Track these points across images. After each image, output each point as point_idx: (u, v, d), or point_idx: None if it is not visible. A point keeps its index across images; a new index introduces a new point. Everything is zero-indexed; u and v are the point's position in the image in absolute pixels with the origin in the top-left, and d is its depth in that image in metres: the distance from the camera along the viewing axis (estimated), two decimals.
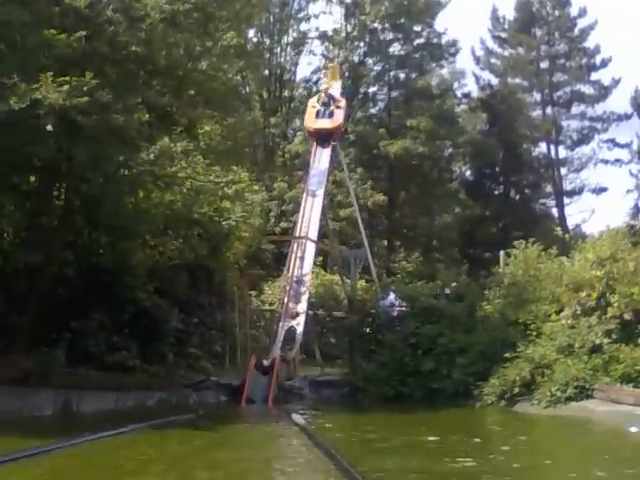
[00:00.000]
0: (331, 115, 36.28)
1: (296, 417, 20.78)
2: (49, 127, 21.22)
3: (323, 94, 37.43)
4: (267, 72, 51.66)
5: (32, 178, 25.57)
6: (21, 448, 13.85)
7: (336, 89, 39.24)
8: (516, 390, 24.47)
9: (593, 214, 78.10)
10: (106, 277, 26.02)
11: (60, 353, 23.91)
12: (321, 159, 35.70)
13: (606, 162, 57.15)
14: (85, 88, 20.96)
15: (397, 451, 16.11)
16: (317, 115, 36.62)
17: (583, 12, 55.71)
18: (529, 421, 22.22)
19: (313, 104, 37.54)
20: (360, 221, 38.21)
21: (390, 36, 54.11)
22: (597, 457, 15.61)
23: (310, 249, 32.69)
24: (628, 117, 55.28)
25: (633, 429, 17.68)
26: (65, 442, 15.13)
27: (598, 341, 23.78)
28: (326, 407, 25.71)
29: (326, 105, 36.44)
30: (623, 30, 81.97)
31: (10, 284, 24.65)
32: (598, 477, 13.01)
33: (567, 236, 35.18)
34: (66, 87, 20.67)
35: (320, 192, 33.84)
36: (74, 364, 23.99)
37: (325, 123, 36.15)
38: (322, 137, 36.22)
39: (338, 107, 36.77)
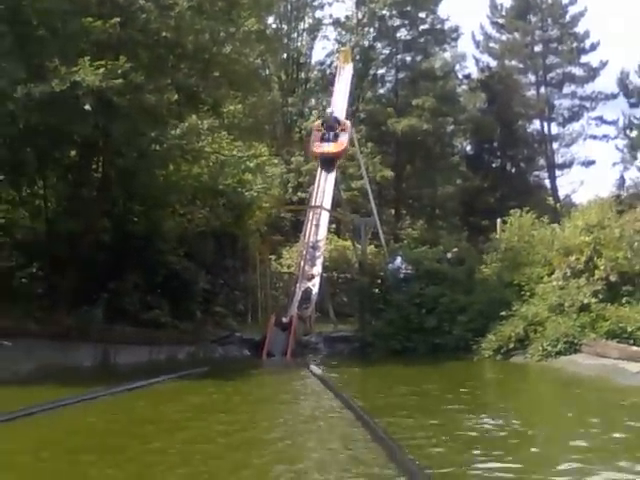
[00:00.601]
0: (336, 138, 34.45)
1: (314, 368, 20.95)
2: (87, 107, 21.31)
3: (327, 117, 35.50)
4: (285, 56, 51.43)
5: (72, 153, 25.68)
6: (64, 396, 14.02)
7: (348, 71, 38.96)
8: (511, 345, 24.54)
9: (582, 185, 77.69)
10: (140, 242, 26.17)
11: (99, 311, 24.13)
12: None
13: (594, 137, 57.11)
14: (120, 71, 20.99)
15: (401, 397, 16.27)
16: (322, 138, 34.61)
17: (574, 0, 55.41)
18: (522, 372, 22.30)
19: (318, 127, 35.42)
20: (370, 192, 38.22)
21: (397, 22, 53.89)
22: (579, 404, 15.75)
23: (324, 217, 32.71)
24: (615, 96, 55.08)
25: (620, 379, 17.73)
26: (104, 391, 15.25)
27: (586, 301, 23.78)
28: (339, 360, 25.86)
29: (331, 129, 34.63)
30: (610, 16, 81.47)
31: (53, 249, 24.83)
32: (569, 418, 13.35)
33: (558, 205, 35.13)
34: (102, 70, 20.70)
35: (333, 165, 33.80)
36: (111, 321, 24.23)
37: (329, 147, 34.29)
38: (326, 160, 34.51)
39: (343, 130, 34.90)
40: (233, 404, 15.60)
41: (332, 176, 33.88)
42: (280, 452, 10.32)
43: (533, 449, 10.85)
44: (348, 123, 35.89)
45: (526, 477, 8.86)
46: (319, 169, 34.35)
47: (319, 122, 35.67)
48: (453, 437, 11.67)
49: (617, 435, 11.37)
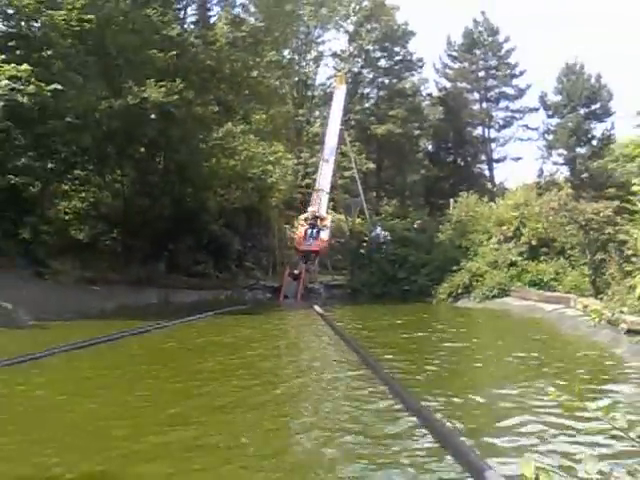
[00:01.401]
0: (318, 234, 29.16)
1: (316, 307, 21.06)
2: (153, 116, 21.37)
3: (310, 215, 29.65)
4: (296, 79, 50.97)
5: (142, 150, 25.71)
6: (135, 327, 14.14)
7: (342, 90, 38.31)
8: (459, 291, 24.70)
9: (512, 174, 77.36)
10: (191, 215, 26.29)
11: (161, 265, 24.33)
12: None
13: (521, 140, 56.48)
14: (176, 89, 21.04)
15: (380, 326, 16.42)
16: (305, 234, 29.20)
17: (508, 39, 54.78)
18: (467, 310, 22.42)
19: (302, 222, 29.79)
20: (358, 179, 37.97)
21: (378, 54, 53.29)
22: (506, 330, 15.96)
23: (324, 197, 32.62)
24: (536, 110, 54.54)
25: (538, 315, 17.86)
26: (171, 322, 15.36)
27: (514, 259, 23.94)
28: (335, 301, 25.98)
29: (313, 226, 29.32)
30: (535, 51, 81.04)
31: (128, 220, 24.98)
32: (497, 337, 13.36)
33: (495, 189, 34.98)
34: (163, 89, 20.75)
35: (331, 160, 33.55)
36: (170, 272, 24.43)
37: (311, 246, 28.88)
38: (309, 253, 29.07)
39: (324, 225, 29.63)
40: (265, 326, 16.19)
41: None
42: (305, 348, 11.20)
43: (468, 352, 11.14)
44: (329, 217, 31.01)
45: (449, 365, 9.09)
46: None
47: (303, 217, 30.24)
48: (405, 344, 12.46)
49: (528, 350, 11.57)
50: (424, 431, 6.45)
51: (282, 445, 6.12)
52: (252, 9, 32.54)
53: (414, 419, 6.81)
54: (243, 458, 5.57)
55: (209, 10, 29.34)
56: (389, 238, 29.93)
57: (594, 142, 49.64)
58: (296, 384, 8.90)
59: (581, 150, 49.76)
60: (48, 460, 5.35)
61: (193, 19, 28.66)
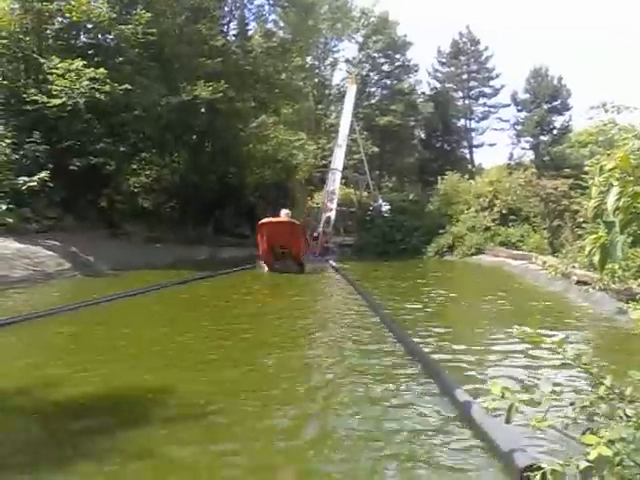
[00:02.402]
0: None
1: (331, 262, 21.08)
2: (202, 110, 21.16)
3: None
4: (316, 80, 50.07)
5: (194, 137, 25.58)
6: (191, 275, 14.25)
7: (353, 89, 37.48)
8: (444, 250, 24.59)
9: (488, 157, 75.32)
10: (233, 189, 26.29)
11: (210, 228, 24.36)
12: None
13: (496, 129, 55.99)
14: (220, 89, 20.79)
15: (380, 277, 16.40)
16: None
17: (486, 48, 53.55)
18: (450, 264, 22.33)
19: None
20: (364, 160, 37.63)
21: (382, 60, 52.13)
22: (481, 278, 15.87)
23: (338, 175, 32.37)
24: (508, 105, 53.52)
25: (505, 268, 17.75)
26: (213, 272, 15.48)
27: (488, 224, 23.76)
28: (346, 257, 25.97)
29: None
30: (507, 59, 79.07)
31: (184, 192, 24.98)
32: (474, 286, 13.27)
33: (474, 169, 34.48)
34: (211, 88, 20.53)
35: (344, 145, 33.16)
36: (217, 233, 24.45)
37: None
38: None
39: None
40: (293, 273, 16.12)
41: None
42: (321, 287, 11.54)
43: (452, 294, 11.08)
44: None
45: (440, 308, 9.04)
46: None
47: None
48: (396, 285, 12.19)
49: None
50: (400, 346, 6.55)
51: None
52: (281, 24, 32.07)
53: (391, 337, 7.02)
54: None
55: (247, 25, 28.89)
56: (389, 207, 29.79)
57: (555, 132, 49.01)
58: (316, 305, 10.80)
59: (544, 138, 49.09)
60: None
61: (234, 32, 28.22)
